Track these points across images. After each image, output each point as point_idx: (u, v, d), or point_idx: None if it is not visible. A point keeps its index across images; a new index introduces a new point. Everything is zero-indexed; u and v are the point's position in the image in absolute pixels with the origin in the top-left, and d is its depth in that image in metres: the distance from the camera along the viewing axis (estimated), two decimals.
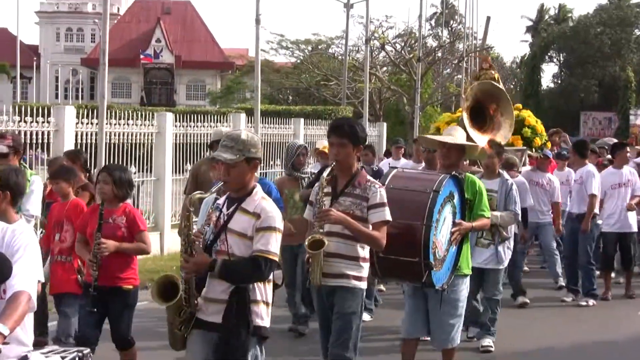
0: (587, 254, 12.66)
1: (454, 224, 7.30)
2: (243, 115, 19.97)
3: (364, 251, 6.55)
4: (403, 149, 17.41)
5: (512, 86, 74.29)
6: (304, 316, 10.35)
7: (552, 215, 13.63)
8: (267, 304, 5.61)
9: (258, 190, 5.62)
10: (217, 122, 18.63)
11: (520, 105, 16.54)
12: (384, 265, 6.98)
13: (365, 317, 10.77)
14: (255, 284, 5.51)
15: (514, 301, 12.34)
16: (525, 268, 15.35)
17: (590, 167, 13.13)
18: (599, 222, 13.02)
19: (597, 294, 12.75)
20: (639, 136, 21.28)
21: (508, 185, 9.57)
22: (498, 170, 9.87)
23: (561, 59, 73.95)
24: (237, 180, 5.58)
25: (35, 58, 78.02)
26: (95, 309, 7.42)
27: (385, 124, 30.45)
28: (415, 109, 30.64)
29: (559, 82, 73.85)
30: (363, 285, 6.58)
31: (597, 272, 13.37)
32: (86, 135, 14.67)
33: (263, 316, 5.57)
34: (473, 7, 41.00)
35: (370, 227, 6.43)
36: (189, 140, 17.63)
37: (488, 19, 43.48)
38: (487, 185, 8.97)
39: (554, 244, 13.92)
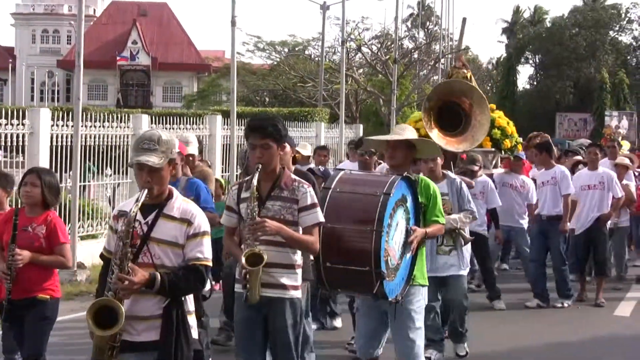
0: (560, 255, 12.55)
1: (409, 230, 6.71)
2: (219, 117, 19.95)
3: (298, 257, 6.15)
4: None
5: (488, 87, 74.61)
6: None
7: (527, 219, 13.45)
8: (194, 314, 5.31)
9: (176, 194, 5.23)
10: (193, 124, 18.61)
11: (493, 106, 15.82)
12: (331, 276, 6.39)
13: (338, 323, 10.69)
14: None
15: (490, 304, 12.26)
16: (505, 266, 15.78)
17: (562, 167, 13.01)
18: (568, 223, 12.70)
19: (572, 294, 12.68)
20: (613, 137, 21.38)
21: (457, 185, 9.04)
22: (442, 172, 9.17)
23: (537, 60, 74.27)
24: (161, 185, 5.13)
25: (10, 60, 77.77)
26: (9, 323, 6.98)
27: (361, 126, 30.48)
28: (391, 110, 30.70)
29: (535, 83, 74.16)
30: (299, 294, 6.16)
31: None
32: (61, 137, 14.61)
33: (195, 328, 5.29)
34: (449, 9, 41.10)
35: (301, 230, 6.03)
36: None
37: (464, 20, 43.29)
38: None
39: (528, 250, 13.48)
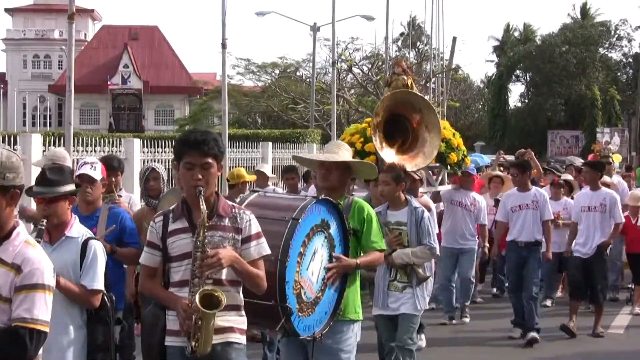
0: (536, 285, 11.58)
1: (334, 259, 5.99)
2: None
3: (241, 297, 5.24)
4: None
5: (480, 106, 74.84)
6: None
7: (477, 240, 12.72)
8: None
9: (20, 231, 4.04)
10: None
11: (445, 123, 14.36)
12: None
13: None
14: None
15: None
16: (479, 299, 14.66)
17: (542, 190, 12.31)
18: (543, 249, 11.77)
19: (540, 328, 11.47)
20: (602, 153, 21.34)
21: (419, 214, 8.03)
22: (405, 198, 8.22)
23: (528, 78, 74.49)
24: None
25: (2, 85, 77.85)
26: None
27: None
28: None
29: (526, 101, 74.35)
30: (245, 340, 5.25)
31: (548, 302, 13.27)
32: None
33: None
34: (439, 28, 41.17)
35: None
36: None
37: (454, 39, 43.81)
38: (394, 217, 8.14)
39: (473, 273, 12.89)
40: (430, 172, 13.45)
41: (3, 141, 13.85)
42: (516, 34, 78.36)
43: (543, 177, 15.65)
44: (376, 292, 8.25)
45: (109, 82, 77.19)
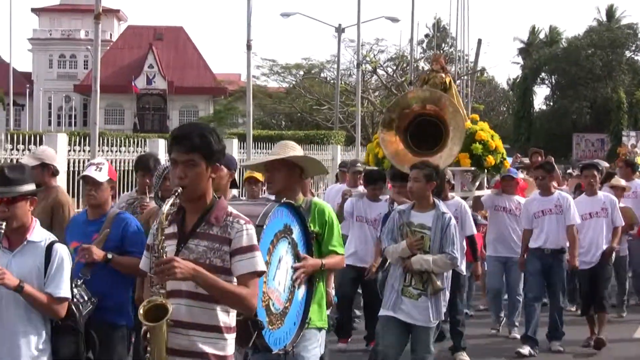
0: (563, 293, 11.10)
1: (299, 260, 5.66)
2: (235, 141, 19.98)
3: (229, 317, 4.51)
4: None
5: (504, 109, 74.57)
6: None
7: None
8: None
9: None
10: None
11: (476, 116, 13.55)
12: None
13: None
14: None
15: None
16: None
17: (566, 193, 11.57)
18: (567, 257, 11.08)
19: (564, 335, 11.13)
20: (628, 156, 20.92)
21: (445, 221, 7.57)
22: (433, 200, 7.74)
23: (553, 81, 74.23)
24: None
25: (28, 85, 77.98)
26: None
27: None
28: None
29: (551, 104, 74.11)
30: None
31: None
32: (78, 162, 14.63)
33: None
34: (464, 30, 41.12)
35: (235, 280, 4.45)
36: None
37: (479, 41, 43.75)
38: (418, 218, 7.68)
39: (522, 286, 11.89)
40: (467, 175, 12.69)
41: (29, 141, 13.85)
42: (542, 36, 78.12)
43: (566, 180, 15.27)
44: (387, 294, 7.75)
45: (133, 85, 77.37)
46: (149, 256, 4.53)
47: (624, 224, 11.71)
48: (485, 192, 12.45)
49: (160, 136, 24.80)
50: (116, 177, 7.20)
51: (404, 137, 11.58)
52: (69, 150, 14.56)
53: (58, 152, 14.23)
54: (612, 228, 11.40)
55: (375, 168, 11.20)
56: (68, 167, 14.46)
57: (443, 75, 12.70)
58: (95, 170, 6.69)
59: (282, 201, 5.51)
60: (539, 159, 15.95)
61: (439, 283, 7.53)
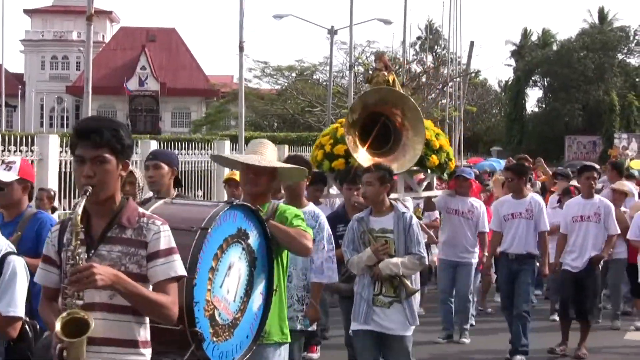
0: (527, 302, 10.54)
1: (253, 274, 5.16)
2: (227, 142, 19.99)
3: (146, 330, 4.11)
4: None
5: (496, 111, 74.70)
6: None
7: (477, 252, 11.62)
8: None
9: None
10: (201, 149, 18.64)
11: (430, 122, 12.71)
12: None
13: None
14: None
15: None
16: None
17: (538, 197, 11.15)
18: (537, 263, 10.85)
19: (528, 350, 10.50)
20: (619, 159, 20.79)
21: (406, 221, 7.29)
22: (390, 202, 7.48)
23: (545, 83, 74.39)
24: None
25: (20, 86, 77.91)
26: None
27: None
28: None
29: (544, 106, 74.24)
30: None
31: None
32: (70, 164, 14.60)
33: None
34: (457, 32, 41.19)
35: (151, 287, 4.02)
36: None
37: (472, 43, 43.80)
38: (378, 223, 7.39)
39: (471, 290, 11.82)
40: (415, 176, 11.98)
41: (21, 142, 13.83)
42: (534, 38, 78.25)
43: (554, 181, 15.01)
44: (357, 306, 7.42)
45: (125, 87, 77.30)
46: (47, 268, 4.09)
47: (619, 232, 11.26)
48: (436, 193, 12.06)
49: (153, 137, 24.84)
50: (33, 176, 6.77)
51: (360, 137, 10.86)
52: (61, 152, 14.54)
53: (50, 153, 14.25)
54: (607, 236, 11.02)
55: (317, 170, 10.77)
56: (60, 168, 14.45)
57: (386, 73, 12.26)
58: (5, 169, 6.31)
59: (235, 203, 5.03)
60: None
61: (410, 285, 7.33)
